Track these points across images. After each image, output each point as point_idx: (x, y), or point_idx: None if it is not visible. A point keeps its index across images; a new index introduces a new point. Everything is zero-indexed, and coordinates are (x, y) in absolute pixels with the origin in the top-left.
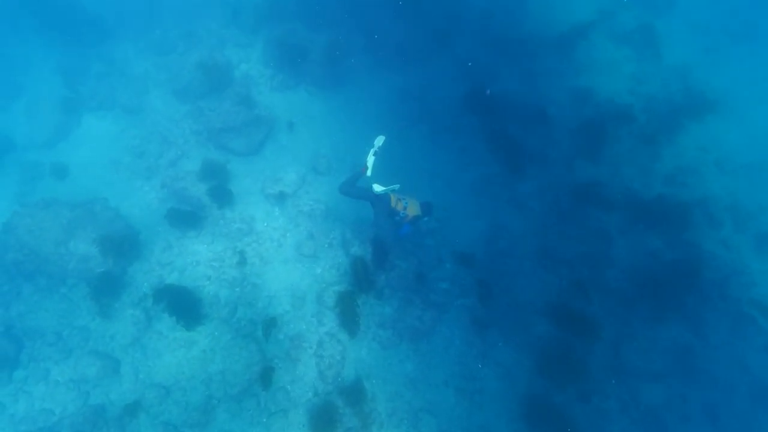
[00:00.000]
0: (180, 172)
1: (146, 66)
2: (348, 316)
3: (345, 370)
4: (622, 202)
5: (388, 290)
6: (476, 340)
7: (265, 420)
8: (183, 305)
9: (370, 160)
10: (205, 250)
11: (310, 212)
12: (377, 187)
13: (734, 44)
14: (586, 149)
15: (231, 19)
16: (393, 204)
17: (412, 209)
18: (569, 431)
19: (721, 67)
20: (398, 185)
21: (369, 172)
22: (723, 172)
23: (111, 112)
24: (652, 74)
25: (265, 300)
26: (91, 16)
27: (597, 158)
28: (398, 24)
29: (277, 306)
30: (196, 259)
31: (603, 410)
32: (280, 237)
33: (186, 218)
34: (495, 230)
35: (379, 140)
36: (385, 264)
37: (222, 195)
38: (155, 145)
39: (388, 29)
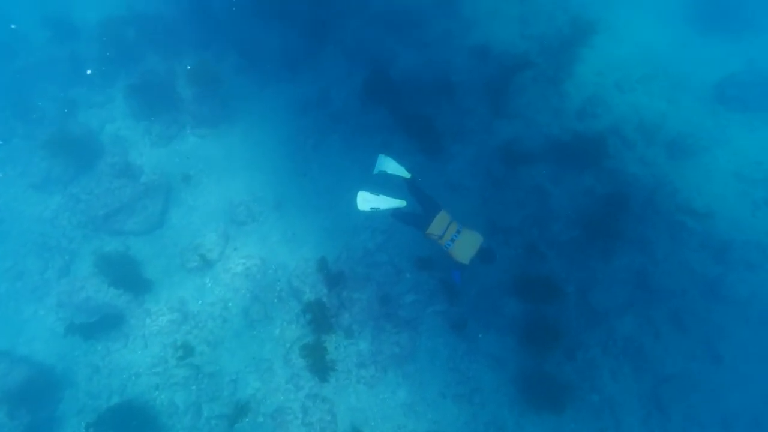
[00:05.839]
0: (76, 281)
1: None
2: (323, 368)
3: (340, 426)
4: (545, 150)
5: (356, 325)
6: (458, 341)
7: None
8: (135, 428)
9: (396, 168)
10: (140, 358)
11: (246, 272)
12: (364, 201)
13: None
14: (499, 108)
15: (73, 76)
16: (438, 227)
17: (461, 248)
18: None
19: None
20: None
21: (406, 174)
22: (623, 91)
23: None
24: (535, 11)
25: (230, 386)
26: None
27: (511, 113)
28: (268, 27)
29: (244, 387)
30: (134, 372)
31: (589, 360)
32: (221, 311)
33: (104, 330)
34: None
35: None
36: (344, 300)
37: (137, 288)
38: (34, 259)
39: (258, 36)
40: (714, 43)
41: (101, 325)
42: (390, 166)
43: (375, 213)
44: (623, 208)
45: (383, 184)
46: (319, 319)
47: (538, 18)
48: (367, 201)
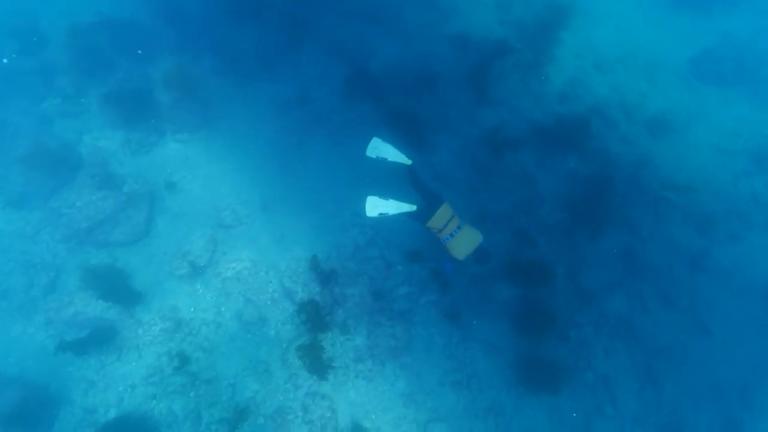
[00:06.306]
0: (63, 296)
1: None
2: (321, 366)
3: (341, 422)
4: (530, 135)
5: (351, 321)
6: (452, 329)
7: None
8: None
9: (395, 155)
10: (135, 369)
11: (237, 275)
12: (373, 207)
13: None
14: (481, 96)
15: (46, 88)
16: (439, 221)
17: (459, 244)
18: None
19: None
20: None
21: (407, 161)
22: (602, 72)
23: None
24: None
25: (228, 390)
26: None
27: (493, 101)
28: (243, 27)
29: (243, 390)
30: (130, 384)
31: (582, 340)
32: (214, 316)
33: (96, 344)
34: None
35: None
36: (337, 297)
37: (127, 300)
38: (18, 276)
39: (234, 37)
40: (687, 19)
41: (93, 339)
42: (389, 152)
43: (383, 218)
44: (608, 187)
45: (389, 187)
46: (314, 317)
47: (515, 3)
48: (376, 207)
